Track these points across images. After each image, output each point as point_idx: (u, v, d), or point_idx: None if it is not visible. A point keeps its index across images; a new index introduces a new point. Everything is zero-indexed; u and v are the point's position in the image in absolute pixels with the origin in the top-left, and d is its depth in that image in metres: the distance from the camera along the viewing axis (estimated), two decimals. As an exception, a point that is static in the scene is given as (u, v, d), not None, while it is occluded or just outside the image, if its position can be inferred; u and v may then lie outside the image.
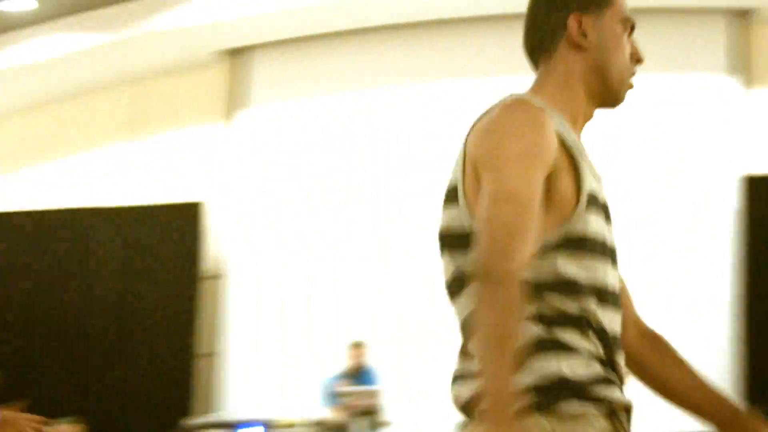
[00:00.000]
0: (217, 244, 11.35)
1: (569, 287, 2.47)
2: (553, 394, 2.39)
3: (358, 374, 9.72)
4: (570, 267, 2.49)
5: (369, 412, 8.73)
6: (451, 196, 2.62)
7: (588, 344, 2.48)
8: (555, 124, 2.52)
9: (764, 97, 10.53)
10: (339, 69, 11.40)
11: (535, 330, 2.42)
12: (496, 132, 2.50)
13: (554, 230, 2.48)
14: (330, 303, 10.78)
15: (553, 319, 2.45)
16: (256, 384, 10.45)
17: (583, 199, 2.49)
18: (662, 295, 10.06)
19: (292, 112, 11.48)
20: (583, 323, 2.48)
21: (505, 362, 2.25)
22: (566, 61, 2.69)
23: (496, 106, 2.56)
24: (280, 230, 11.10)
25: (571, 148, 2.53)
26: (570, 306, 2.47)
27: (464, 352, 2.55)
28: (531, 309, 2.42)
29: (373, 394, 8.84)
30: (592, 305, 2.49)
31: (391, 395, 9.07)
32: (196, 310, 11.35)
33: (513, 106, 2.54)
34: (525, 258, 2.35)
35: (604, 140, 10.47)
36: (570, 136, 2.56)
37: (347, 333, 10.10)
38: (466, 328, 2.53)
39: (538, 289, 2.44)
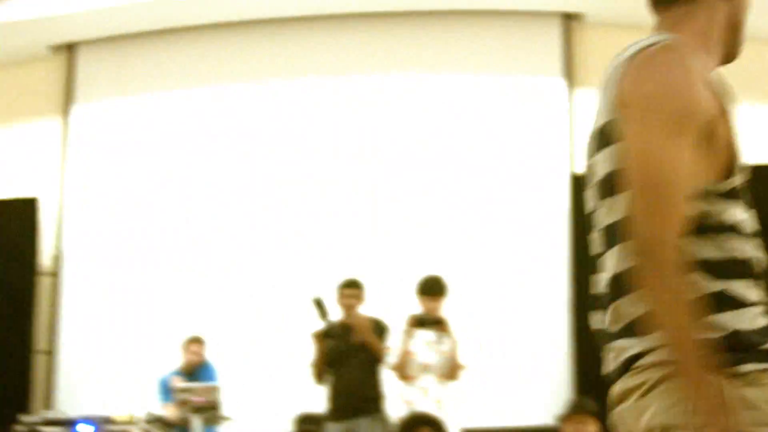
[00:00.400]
0: (53, 241, 11.33)
1: (738, 234, 2.45)
2: (732, 352, 2.34)
3: (196, 370, 9.81)
4: (739, 214, 2.47)
5: (207, 408, 8.86)
6: (603, 138, 2.55)
7: (756, 295, 2.44)
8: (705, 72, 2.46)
9: (591, 98, 10.98)
10: (174, 65, 11.46)
11: (706, 284, 2.38)
12: (652, 80, 2.45)
13: (720, 177, 2.44)
14: (167, 299, 10.87)
15: (723, 270, 2.41)
16: (93, 380, 10.52)
17: (740, 149, 2.46)
18: (499, 293, 10.50)
19: (128, 107, 11.49)
20: (752, 272, 2.45)
21: (685, 319, 2.26)
22: (712, 10, 2.60)
23: (652, 44, 2.50)
24: (116, 227, 11.14)
25: (723, 96, 2.47)
26: (739, 253, 2.44)
27: (618, 309, 2.50)
28: (697, 260, 2.39)
29: (211, 390, 8.95)
30: (758, 252, 2.47)
31: (229, 391, 9.24)
32: (33, 306, 11.36)
33: (671, 52, 2.47)
34: (678, 217, 2.33)
35: (438, 141, 10.89)
36: (719, 84, 2.48)
37: (184, 329, 10.21)
38: (620, 283, 2.45)
39: (706, 237, 2.41)
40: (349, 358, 8.39)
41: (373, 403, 8.39)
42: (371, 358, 8.38)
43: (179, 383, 9.16)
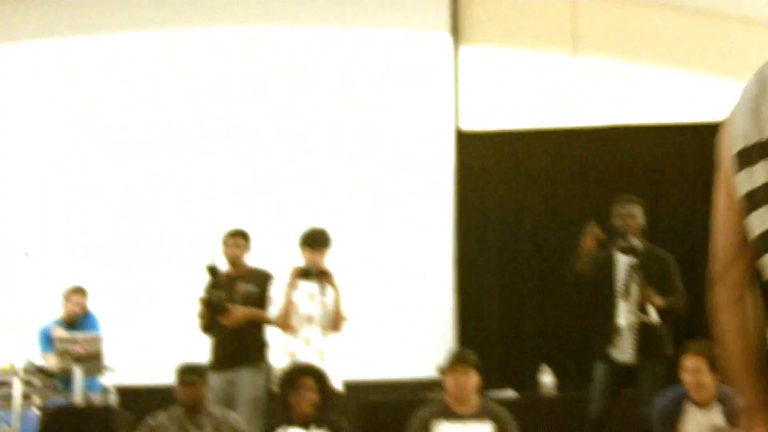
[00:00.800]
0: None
1: None
2: None
3: (77, 321, 9.76)
4: None
5: (89, 359, 8.81)
6: None
7: None
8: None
9: (477, 54, 11.10)
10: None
11: None
12: None
13: None
14: (51, 246, 10.79)
15: None
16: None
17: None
18: (383, 247, 10.60)
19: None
20: None
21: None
22: None
23: None
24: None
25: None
26: None
27: None
28: None
29: (94, 340, 8.90)
30: None
31: (112, 341, 9.21)
32: None
33: None
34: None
35: (324, 94, 10.92)
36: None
37: (67, 279, 10.15)
38: None
39: None
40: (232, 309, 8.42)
41: (255, 353, 8.43)
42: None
43: (60, 333, 9.10)
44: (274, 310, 8.21)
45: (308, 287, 8.16)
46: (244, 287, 8.47)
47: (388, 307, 10.84)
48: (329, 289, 8.13)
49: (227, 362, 8.19)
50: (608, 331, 7.70)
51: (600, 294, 7.83)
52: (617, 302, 7.74)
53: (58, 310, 9.75)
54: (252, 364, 8.36)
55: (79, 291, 9.89)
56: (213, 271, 8.38)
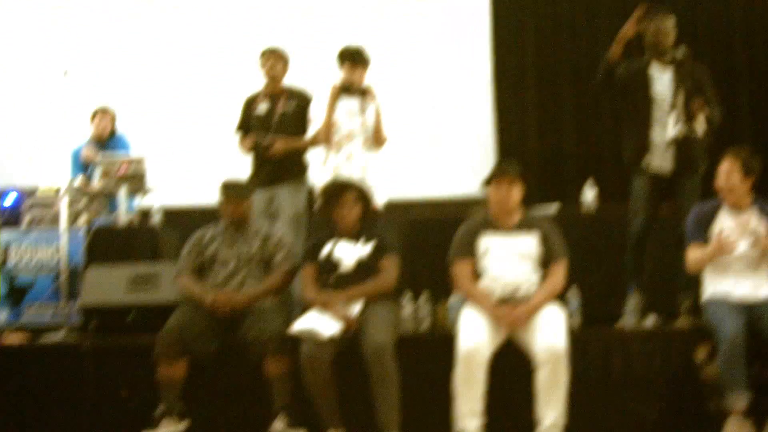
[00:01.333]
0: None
1: None
2: None
3: (106, 141, 9.86)
4: None
5: (132, 178, 8.87)
6: None
7: None
8: None
9: None
10: None
11: None
12: None
13: None
14: (88, 69, 10.78)
15: None
16: (15, 153, 10.44)
17: None
18: (424, 63, 10.56)
19: None
20: None
21: None
22: None
23: None
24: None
25: None
26: None
27: None
28: None
29: (137, 161, 8.94)
30: None
31: (155, 160, 9.25)
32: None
33: None
34: None
35: None
36: None
37: (106, 99, 10.15)
38: None
39: None
40: (274, 129, 8.44)
41: (295, 170, 8.48)
42: (296, 130, 8.45)
43: (89, 153, 9.08)
44: (315, 127, 8.22)
45: (348, 104, 8.14)
46: (283, 106, 8.48)
47: (428, 126, 10.84)
48: (370, 105, 8.10)
49: (268, 180, 8.23)
50: (645, 144, 7.66)
51: (636, 106, 7.75)
52: (655, 114, 7.67)
53: (86, 132, 9.83)
54: (292, 181, 8.42)
55: (107, 111, 9.93)
56: (257, 147, 8.37)
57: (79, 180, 9.29)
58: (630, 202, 7.81)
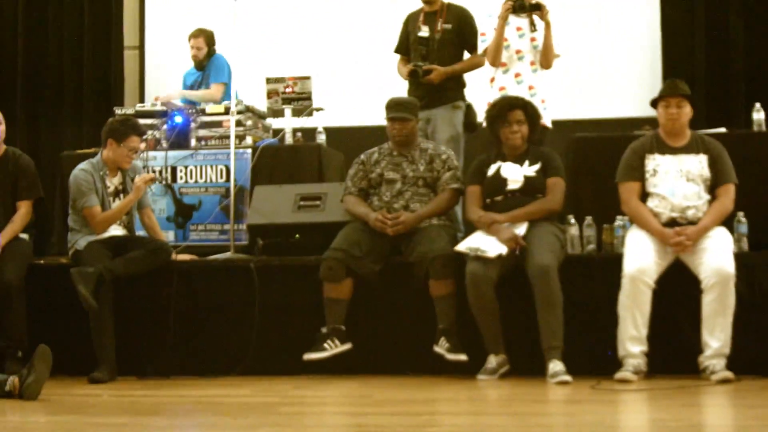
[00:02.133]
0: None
1: None
2: None
3: (204, 63, 10.07)
4: None
5: (299, 99, 8.94)
6: None
7: None
8: None
9: None
10: None
11: None
12: None
13: None
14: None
15: None
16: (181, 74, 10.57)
17: None
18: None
19: None
20: None
21: None
22: None
23: None
24: None
25: None
26: None
27: None
28: None
29: (303, 81, 8.95)
30: None
31: (321, 84, 9.31)
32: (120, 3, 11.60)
33: None
34: None
35: None
36: None
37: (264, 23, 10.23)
38: None
39: None
40: (434, 51, 8.41)
41: (451, 93, 8.45)
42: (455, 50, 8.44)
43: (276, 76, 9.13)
44: (484, 45, 8.18)
45: (518, 22, 8.07)
46: (442, 25, 8.44)
47: (594, 46, 10.72)
48: (539, 25, 8.01)
49: (423, 103, 8.14)
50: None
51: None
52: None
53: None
54: (448, 102, 8.38)
55: (198, 34, 10.05)
56: (415, 73, 8.34)
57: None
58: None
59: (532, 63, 8.07)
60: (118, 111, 9.06)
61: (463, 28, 8.46)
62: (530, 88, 8.00)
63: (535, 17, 8.01)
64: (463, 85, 8.54)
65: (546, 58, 8.05)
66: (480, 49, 8.26)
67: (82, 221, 7.41)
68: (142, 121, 8.56)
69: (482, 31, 8.24)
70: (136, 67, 11.76)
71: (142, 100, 11.15)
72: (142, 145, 7.84)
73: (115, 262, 7.17)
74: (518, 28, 8.06)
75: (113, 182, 7.55)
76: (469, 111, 8.46)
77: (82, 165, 7.53)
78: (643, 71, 10.82)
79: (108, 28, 11.73)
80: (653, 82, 10.36)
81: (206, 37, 10.04)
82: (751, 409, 5.51)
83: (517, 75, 8.04)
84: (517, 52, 8.06)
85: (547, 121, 8.01)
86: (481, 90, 8.37)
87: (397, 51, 8.75)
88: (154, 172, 8.46)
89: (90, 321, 7.04)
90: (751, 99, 8.91)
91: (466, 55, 8.52)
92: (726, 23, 10.77)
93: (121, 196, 7.56)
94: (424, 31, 8.43)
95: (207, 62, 10.05)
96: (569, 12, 9.97)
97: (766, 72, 10.58)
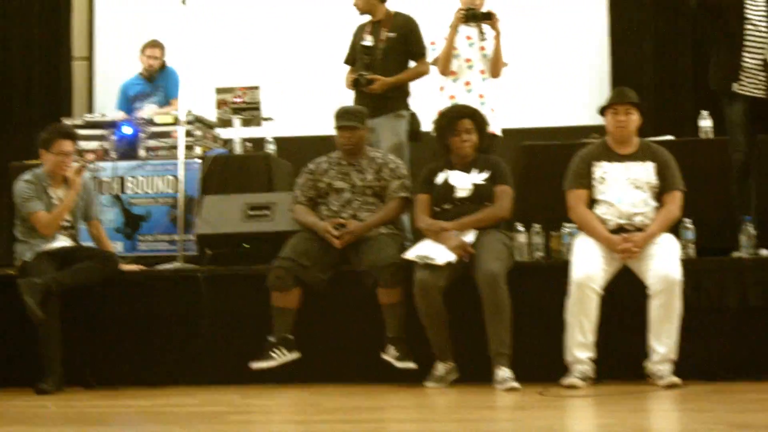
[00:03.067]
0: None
1: None
2: None
3: (155, 75, 9.95)
4: None
5: (248, 109, 8.92)
6: None
7: None
8: None
9: None
10: None
11: None
12: None
13: None
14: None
15: None
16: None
17: None
18: None
19: None
20: None
21: None
22: None
23: None
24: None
25: None
26: None
27: None
28: None
29: (252, 91, 8.95)
30: None
31: (269, 93, 9.28)
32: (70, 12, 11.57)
33: None
34: None
35: None
36: None
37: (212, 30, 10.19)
38: None
39: None
40: (378, 59, 8.40)
41: (396, 102, 8.41)
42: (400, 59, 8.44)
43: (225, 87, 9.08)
44: (434, 53, 8.21)
45: (468, 31, 8.11)
46: (387, 35, 8.43)
47: (543, 55, 10.77)
48: (489, 34, 8.05)
49: (368, 111, 8.09)
50: (737, 67, 7.49)
51: (730, 28, 7.59)
52: (749, 37, 7.50)
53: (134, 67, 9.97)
54: (392, 110, 8.35)
55: (155, 45, 9.98)
56: (357, 82, 8.30)
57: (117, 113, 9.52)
58: (728, 132, 7.69)
59: (482, 72, 8.12)
60: (66, 121, 9.00)
61: (408, 37, 8.45)
62: (480, 96, 8.04)
63: (485, 26, 8.05)
64: (406, 94, 8.51)
65: (495, 67, 8.10)
66: (430, 58, 8.28)
67: (29, 232, 7.36)
68: (90, 131, 8.56)
69: (432, 40, 8.26)
70: (85, 78, 11.70)
71: (90, 110, 11.12)
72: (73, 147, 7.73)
73: (63, 273, 7.13)
74: (468, 37, 8.10)
75: (57, 194, 7.50)
76: (413, 120, 8.44)
77: (25, 175, 7.49)
78: (592, 80, 10.90)
79: (57, 39, 11.70)
80: (601, 91, 10.43)
81: (162, 48, 9.98)
82: (698, 413, 5.54)
83: (467, 84, 8.08)
84: (467, 60, 8.10)
85: (496, 129, 8.06)
86: (425, 99, 8.40)
87: (346, 62, 8.72)
88: (102, 182, 8.43)
89: (37, 332, 6.99)
90: (699, 107, 8.99)
91: (412, 64, 8.51)
92: (674, 32, 10.85)
93: (66, 209, 7.54)
94: (368, 41, 8.40)
95: (158, 74, 9.96)
96: (518, 21, 10.00)
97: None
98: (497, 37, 8.03)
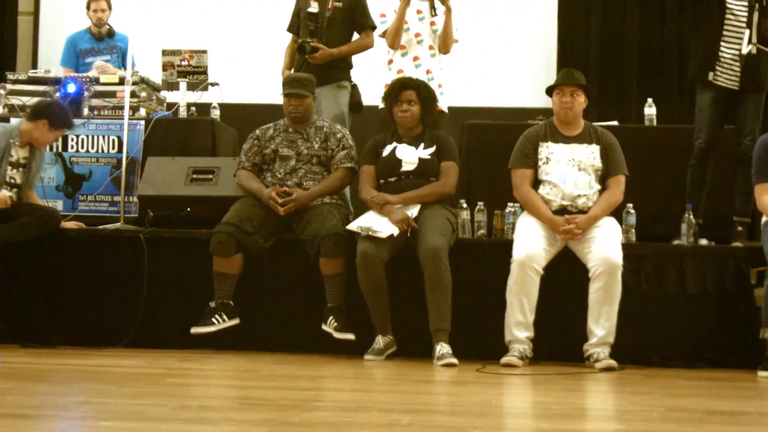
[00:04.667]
0: None
1: None
2: None
3: (103, 34, 9.78)
4: None
5: (195, 72, 8.86)
6: None
7: None
8: None
9: None
10: None
11: None
12: None
13: None
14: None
15: None
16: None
17: None
18: None
19: None
20: None
21: None
22: None
23: None
24: None
25: None
26: None
27: None
28: None
29: (199, 55, 8.88)
30: None
31: (217, 59, 9.23)
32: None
33: None
34: None
35: None
36: None
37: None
38: None
39: None
40: (323, 27, 8.34)
41: (338, 72, 8.36)
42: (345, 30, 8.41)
43: (174, 50, 8.99)
44: (383, 26, 8.19)
45: (418, 5, 8.11)
46: (333, 3, 8.35)
47: (490, 35, 10.79)
48: (439, 10, 8.05)
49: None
50: (713, 57, 7.54)
51: (710, 18, 7.63)
52: (728, 28, 7.54)
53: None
54: (335, 81, 8.30)
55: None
56: (302, 48, 8.22)
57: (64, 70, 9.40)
58: (696, 117, 7.74)
59: (431, 47, 8.13)
60: (10, 76, 8.90)
61: (355, 8, 8.37)
62: (428, 72, 8.06)
63: (437, 2, 8.05)
64: (349, 65, 8.43)
65: (445, 43, 8.11)
66: (379, 30, 8.25)
67: (-32, 187, 7.30)
68: (34, 87, 8.48)
69: (382, 12, 8.24)
70: (29, 34, 11.56)
71: (35, 66, 10.99)
72: None
73: (3, 228, 7.06)
74: (418, 11, 8.10)
75: (19, 153, 7.44)
76: (354, 91, 8.39)
77: None
78: (540, 63, 10.95)
79: (3, -6, 11.56)
80: (548, 74, 10.49)
81: (107, 0, 9.80)
82: (633, 396, 5.60)
83: (415, 59, 8.09)
84: (416, 35, 8.10)
85: (443, 105, 8.08)
86: (367, 70, 8.37)
87: (289, 30, 8.64)
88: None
89: (-28, 287, 6.94)
90: (643, 95, 9.06)
91: (355, 35, 8.47)
92: (622, 18, 10.92)
93: (19, 169, 7.45)
94: (314, 7, 8.28)
95: (107, 36, 9.76)
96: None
97: (658, 68, 10.75)
98: (448, 12, 8.04)
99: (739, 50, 7.44)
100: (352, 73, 8.45)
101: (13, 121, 7.93)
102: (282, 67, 8.58)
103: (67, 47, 9.78)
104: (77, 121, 8.14)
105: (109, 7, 9.74)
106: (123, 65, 9.39)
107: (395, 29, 8.06)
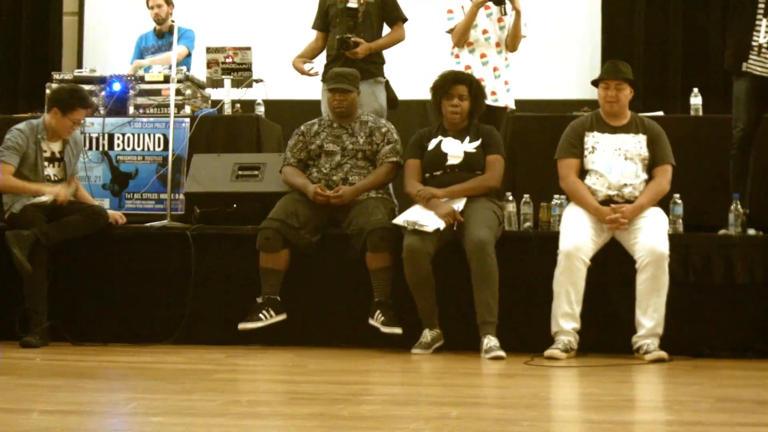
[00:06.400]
0: None
1: None
2: None
3: (165, 31, 9.83)
4: None
5: (239, 69, 8.89)
6: None
7: None
8: None
9: None
10: None
11: None
12: None
13: None
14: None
15: None
16: (120, 41, 10.49)
17: None
18: None
19: None
20: None
21: None
22: None
23: None
24: None
25: None
26: None
27: None
28: None
29: (243, 51, 8.91)
30: None
31: (261, 55, 9.25)
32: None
33: None
34: None
35: None
36: None
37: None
38: None
39: None
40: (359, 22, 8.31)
41: (373, 66, 8.31)
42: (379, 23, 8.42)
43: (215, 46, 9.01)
44: (450, 24, 8.08)
45: (491, 9, 8.01)
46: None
47: (538, 30, 10.76)
48: (508, 7, 7.96)
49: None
50: (747, 46, 7.49)
51: (743, 7, 7.57)
52: (759, 19, 7.49)
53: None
54: (370, 77, 8.22)
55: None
56: (345, 44, 8.17)
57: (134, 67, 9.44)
58: (733, 106, 7.69)
59: (497, 45, 8.03)
60: (56, 76, 8.96)
61: (387, 2, 8.37)
62: (495, 69, 7.99)
63: (507, 4, 7.96)
64: (383, 61, 8.43)
65: (513, 42, 8.02)
66: (447, 27, 8.13)
67: (18, 184, 7.35)
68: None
69: (449, 8, 8.13)
70: (74, 34, 11.64)
71: (80, 66, 11.05)
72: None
73: (51, 226, 7.12)
74: (486, 7, 7.97)
75: (51, 147, 7.49)
76: (388, 87, 8.39)
77: (20, 125, 7.47)
78: (584, 54, 10.90)
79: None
80: (593, 65, 10.44)
81: (170, 4, 9.85)
82: (683, 386, 5.58)
83: (482, 56, 7.98)
84: (484, 32, 8.00)
85: (510, 102, 8.07)
86: (398, 66, 8.46)
87: (314, 27, 8.60)
88: (91, 138, 8.44)
89: (24, 285, 6.98)
90: (688, 85, 9.00)
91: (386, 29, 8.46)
92: (666, 8, 10.85)
93: (56, 164, 7.51)
94: (353, 2, 8.27)
95: (166, 33, 9.79)
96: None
97: (702, 58, 10.68)
98: (518, 15, 7.93)
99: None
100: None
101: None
102: (294, 57, 8.55)
103: (135, 46, 9.89)
104: (122, 120, 8.18)
105: (167, 3, 9.78)
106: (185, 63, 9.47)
107: (464, 28, 7.94)
